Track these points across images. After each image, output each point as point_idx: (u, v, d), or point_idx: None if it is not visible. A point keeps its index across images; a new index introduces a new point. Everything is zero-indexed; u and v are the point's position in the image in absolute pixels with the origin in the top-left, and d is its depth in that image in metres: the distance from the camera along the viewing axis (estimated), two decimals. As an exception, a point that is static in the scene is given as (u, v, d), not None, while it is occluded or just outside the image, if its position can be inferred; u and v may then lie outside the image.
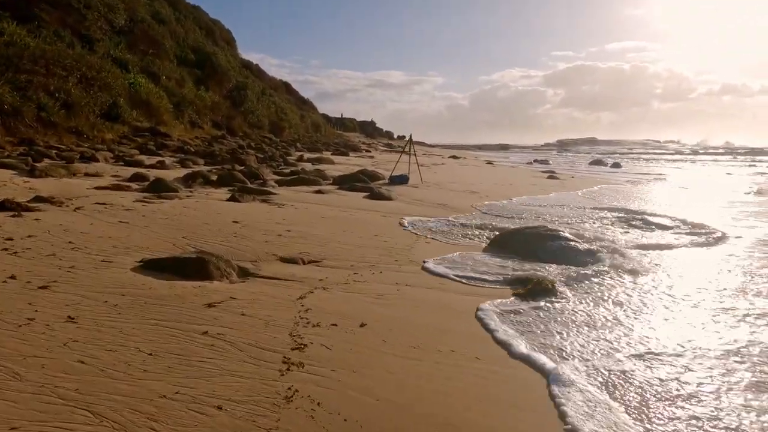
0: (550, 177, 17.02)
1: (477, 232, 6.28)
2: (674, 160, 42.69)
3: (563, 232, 5.49)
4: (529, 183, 14.21)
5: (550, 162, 31.53)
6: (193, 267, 3.81)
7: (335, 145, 30.26)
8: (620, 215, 8.18)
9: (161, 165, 10.71)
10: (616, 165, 29.67)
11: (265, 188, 8.92)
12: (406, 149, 12.56)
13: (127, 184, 8.01)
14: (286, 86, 51.25)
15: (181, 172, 10.01)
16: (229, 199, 7.37)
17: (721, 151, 78.57)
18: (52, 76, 13.28)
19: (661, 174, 23.18)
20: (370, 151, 31.56)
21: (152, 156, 12.39)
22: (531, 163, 30.35)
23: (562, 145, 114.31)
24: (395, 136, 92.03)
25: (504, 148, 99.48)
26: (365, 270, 4.29)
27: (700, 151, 75.95)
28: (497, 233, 5.91)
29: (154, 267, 3.85)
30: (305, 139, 29.50)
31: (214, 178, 9.24)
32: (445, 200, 9.31)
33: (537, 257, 4.95)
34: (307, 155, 18.28)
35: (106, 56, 17.39)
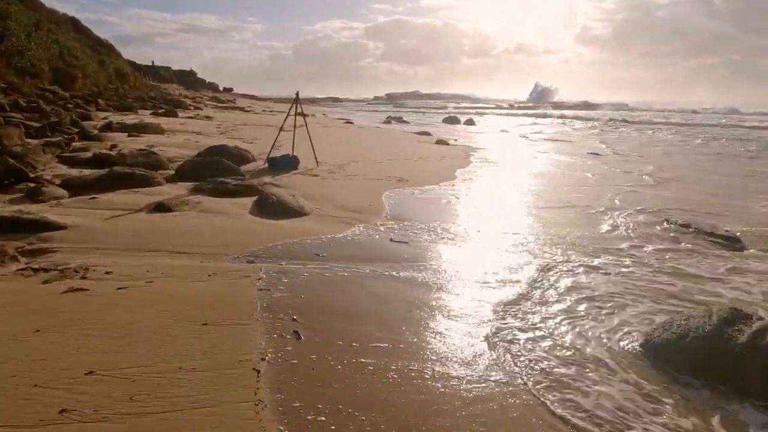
0: (439, 142, 14.45)
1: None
2: (508, 114, 44.62)
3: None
4: (436, 154, 11.22)
5: (407, 120, 29.35)
6: None
7: (153, 101, 23.66)
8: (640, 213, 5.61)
9: None
10: (470, 122, 28.87)
11: (33, 211, 4.27)
12: (292, 112, 8.17)
13: None
14: (74, 23, 40.28)
15: None
16: None
17: (530, 104, 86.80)
18: None
19: (518, 125, 22.81)
20: (200, 108, 25.68)
21: None
22: (389, 121, 27.69)
23: (391, 99, 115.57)
24: (221, 89, 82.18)
25: (336, 101, 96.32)
26: None
27: (516, 105, 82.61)
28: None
29: None
30: (109, 93, 22.36)
31: None
32: (376, 200, 5.74)
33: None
34: (117, 118, 12.64)
35: None
